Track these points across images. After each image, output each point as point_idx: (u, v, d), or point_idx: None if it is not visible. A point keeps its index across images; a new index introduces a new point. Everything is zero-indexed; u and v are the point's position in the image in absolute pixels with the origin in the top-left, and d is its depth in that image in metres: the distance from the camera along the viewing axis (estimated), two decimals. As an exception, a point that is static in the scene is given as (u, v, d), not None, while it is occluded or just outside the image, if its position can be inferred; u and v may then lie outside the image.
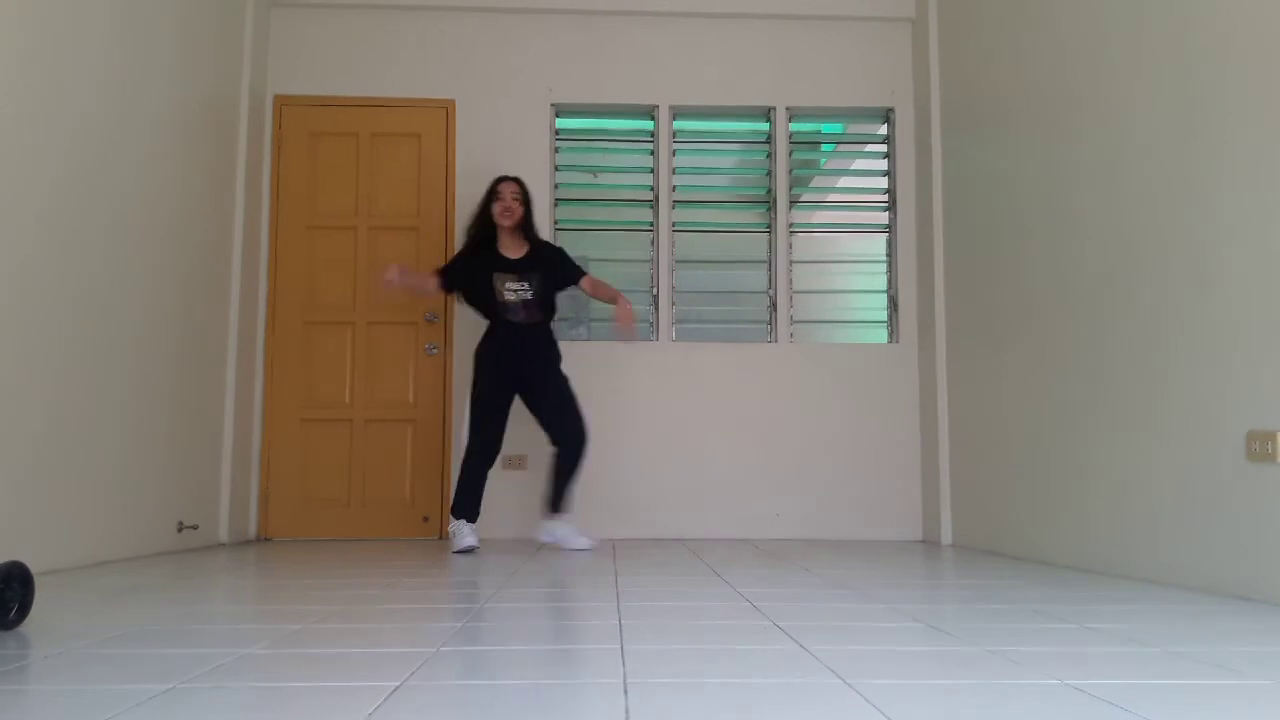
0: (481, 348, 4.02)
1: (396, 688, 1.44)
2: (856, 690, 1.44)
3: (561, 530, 3.95)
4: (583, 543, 3.89)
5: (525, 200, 4.05)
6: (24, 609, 1.96)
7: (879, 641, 1.85)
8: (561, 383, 4.01)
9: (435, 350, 4.64)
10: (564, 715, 1.29)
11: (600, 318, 4.74)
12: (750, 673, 1.56)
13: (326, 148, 4.73)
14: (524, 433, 4.61)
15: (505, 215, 3.97)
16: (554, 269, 4.04)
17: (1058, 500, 3.48)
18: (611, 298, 4.09)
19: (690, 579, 2.91)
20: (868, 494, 4.65)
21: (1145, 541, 2.98)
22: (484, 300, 3.99)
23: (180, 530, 3.88)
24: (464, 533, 3.83)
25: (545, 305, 4.02)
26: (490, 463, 3.95)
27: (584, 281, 4.09)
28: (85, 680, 1.49)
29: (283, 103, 4.74)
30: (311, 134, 4.74)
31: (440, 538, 4.55)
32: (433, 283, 4.05)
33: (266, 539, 4.54)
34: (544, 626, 2.02)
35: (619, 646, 1.78)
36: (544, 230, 4.73)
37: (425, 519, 4.58)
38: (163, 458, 3.76)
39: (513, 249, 4.03)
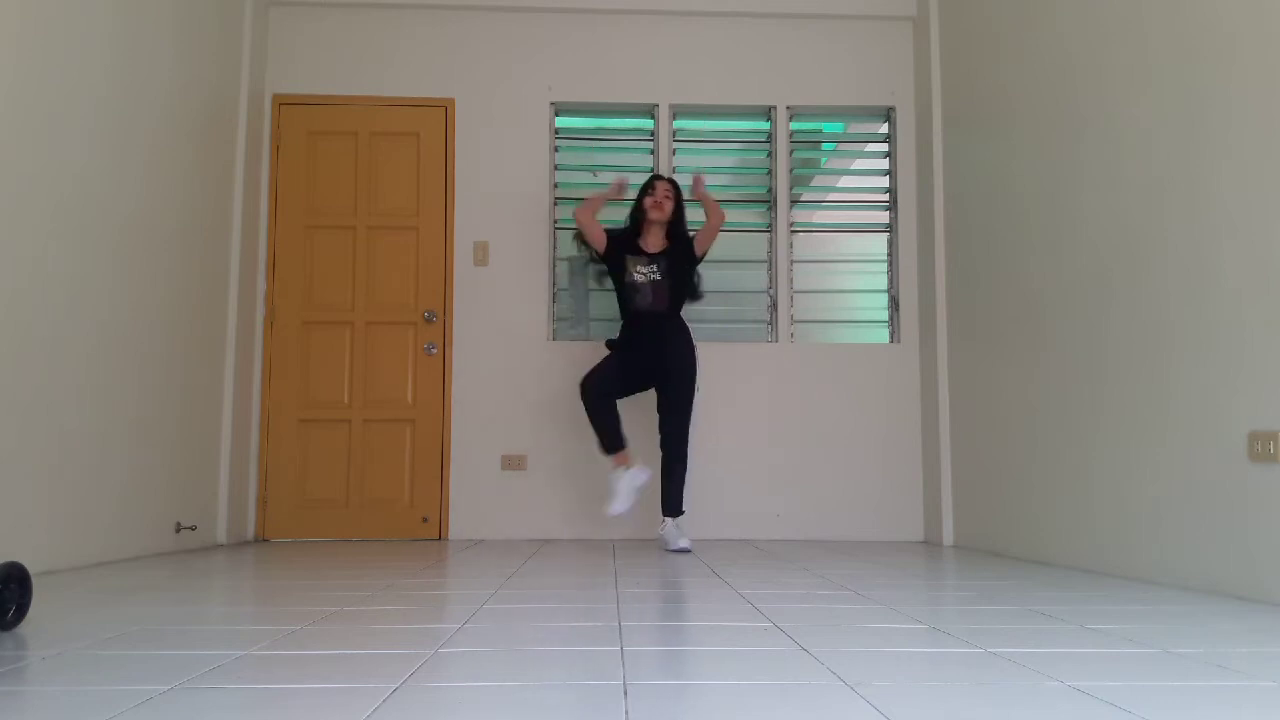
0: (612, 342, 4.11)
1: (395, 689, 1.44)
2: (857, 691, 1.43)
3: (666, 530, 3.97)
4: (682, 544, 3.86)
5: (677, 200, 4.13)
6: (21, 610, 1.95)
7: (880, 642, 1.84)
8: (689, 390, 4.03)
9: (434, 350, 4.63)
10: (564, 717, 1.29)
11: (599, 318, 4.73)
12: (751, 674, 1.55)
13: (325, 147, 4.72)
14: (525, 431, 4.61)
15: (656, 209, 4.05)
16: (677, 255, 4.08)
17: (1059, 501, 3.48)
18: (712, 210, 4.12)
19: (690, 580, 2.91)
20: (869, 494, 4.64)
21: (1147, 542, 2.97)
22: (616, 284, 4.08)
23: (178, 531, 3.88)
24: (621, 483, 3.93)
25: (676, 290, 4.05)
26: (606, 398, 3.97)
27: (701, 237, 4.10)
28: (83, 681, 1.48)
29: (281, 102, 4.73)
30: (310, 133, 4.73)
31: (440, 538, 4.54)
32: (599, 231, 4.11)
33: (265, 540, 4.54)
34: (543, 627, 2.01)
35: (619, 648, 1.78)
36: (542, 230, 4.74)
37: (424, 519, 4.57)
38: (161, 458, 3.75)
39: (652, 245, 4.10)
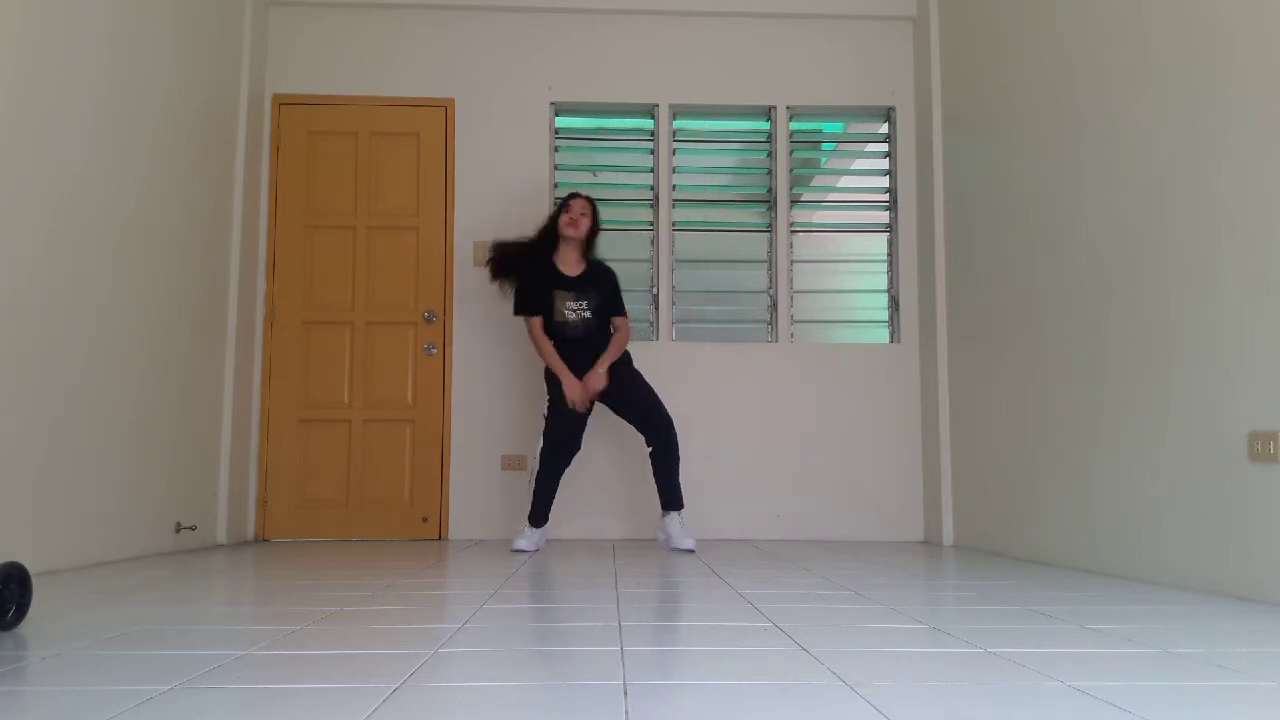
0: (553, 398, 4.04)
1: (395, 689, 1.44)
2: (857, 691, 1.43)
3: (672, 527, 3.92)
4: (687, 544, 3.83)
5: (593, 219, 4.12)
6: (21, 610, 1.95)
7: (880, 642, 1.84)
8: (640, 382, 4.04)
9: (434, 350, 4.63)
10: (564, 717, 1.29)
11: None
12: (751, 674, 1.55)
13: (325, 147, 4.72)
14: (525, 431, 4.61)
15: (571, 226, 4.04)
16: (603, 291, 4.07)
17: (1059, 501, 3.48)
18: (613, 353, 4.04)
19: (690, 580, 2.91)
20: (869, 495, 4.64)
21: (1146, 542, 2.97)
22: (544, 313, 4.04)
23: (178, 531, 3.88)
24: (536, 534, 3.96)
25: (602, 319, 4.06)
26: (564, 467, 4.00)
27: (618, 321, 4.10)
28: (83, 681, 1.48)
29: (281, 102, 4.73)
30: (310, 133, 4.73)
31: (440, 538, 4.54)
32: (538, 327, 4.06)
33: (265, 540, 4.54)
34: (543, 627, 2.01)
35: (619, 648, 1.77)
36: (543, 230, 4.74)
37: (424, 519, 4.57)
38: (161, 458, 3.75)
39: (570, 265, 4.08)
